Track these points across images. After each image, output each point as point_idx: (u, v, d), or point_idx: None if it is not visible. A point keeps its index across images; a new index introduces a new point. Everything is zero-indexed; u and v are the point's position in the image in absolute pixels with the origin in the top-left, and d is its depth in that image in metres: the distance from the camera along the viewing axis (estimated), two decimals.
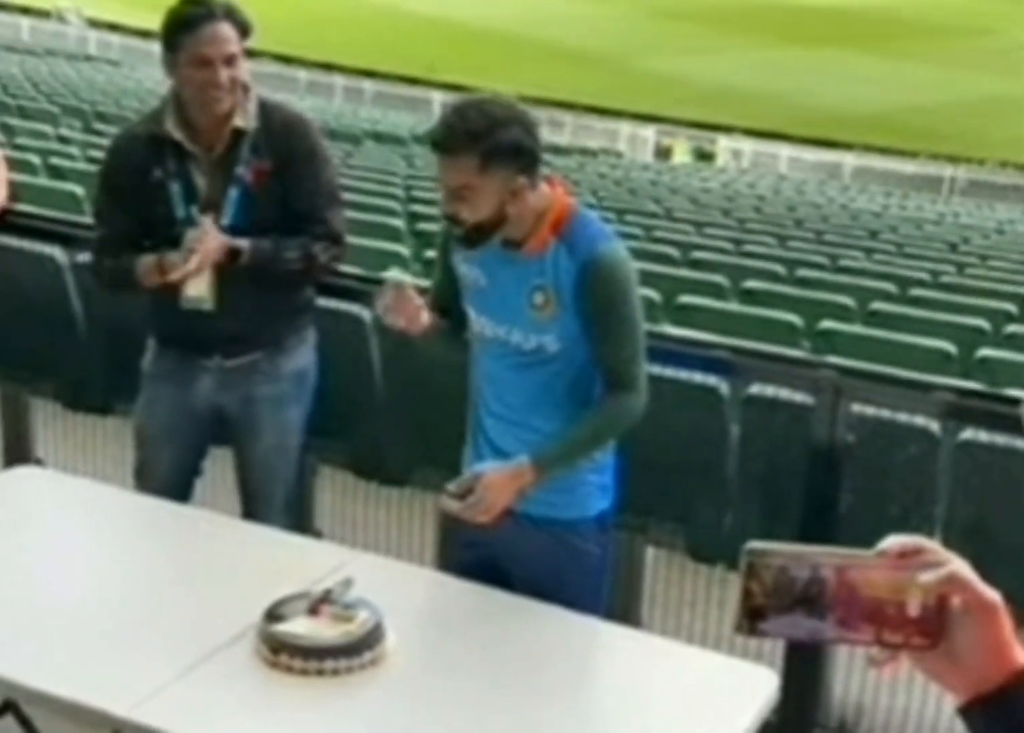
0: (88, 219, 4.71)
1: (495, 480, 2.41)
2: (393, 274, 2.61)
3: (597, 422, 2.52)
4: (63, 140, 9.33)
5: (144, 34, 30.07)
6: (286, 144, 3.05)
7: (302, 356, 3.21)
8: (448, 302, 2.63)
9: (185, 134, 3.02)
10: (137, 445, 3.30)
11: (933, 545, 1.03)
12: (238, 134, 3.03)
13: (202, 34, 2.91)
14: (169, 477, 3.19)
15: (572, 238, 2.44)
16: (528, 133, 2.39)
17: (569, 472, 2.53)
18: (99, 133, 9.89)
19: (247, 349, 3.12)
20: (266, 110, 3.08)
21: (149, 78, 18.56)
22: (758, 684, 2.28)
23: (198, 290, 3.00)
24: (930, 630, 1.01)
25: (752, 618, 1.02)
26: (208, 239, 2.95)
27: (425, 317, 2.53)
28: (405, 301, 2.51)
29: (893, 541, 1.03)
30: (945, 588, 1.01)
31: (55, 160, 7.77)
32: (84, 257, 3.80)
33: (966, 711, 1.01)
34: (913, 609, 1.01)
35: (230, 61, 2.95)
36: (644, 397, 2.51)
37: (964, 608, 1.01)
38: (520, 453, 2.46)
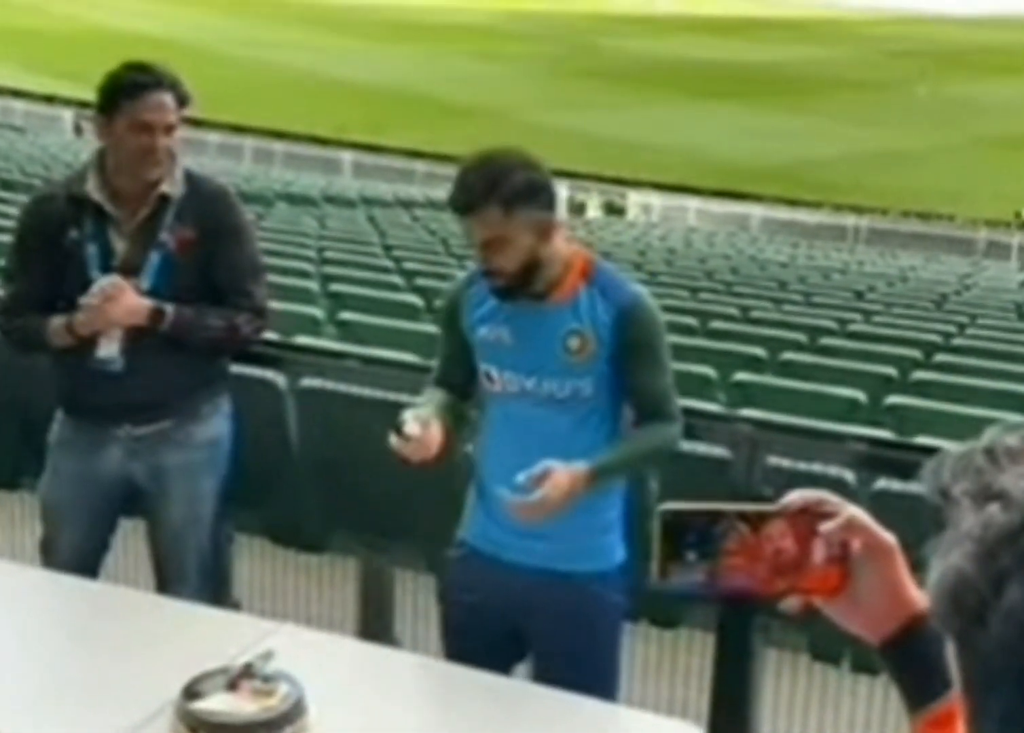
0: None
1: (562, 478, 2.38)
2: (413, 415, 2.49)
3: (648, 443, 2.60)
4: None
5: (48, 99, 29.84)
6: (212, 216, 3.05)
7: (215, 424, 3.17)
8: (457, 375, 2.67)
9: (106, 196, 3.01)
10: (42, 519, 3.23)
11: (833, 497, 1.09)
12: (163, 200, 3.02)
13: (146, 101, 2.93)
14: (75, 552, 3.12)
15: (602, 282, 2.54)
16: (539, 172, 2.49)
17: (596, 517, 2.56)
18: (3, 201, 9.75)
19: (157, 416, 3.07)
20: (192, 180, 3.08)
21: (54, 143, 18.39)
22: None
23: (108, 351, 2.98)
24: (835, 577, 1.08)
25: (663, 574, 1.07)
26: (124, 297, 2.92)
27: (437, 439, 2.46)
28: (430, 436, 2.44)
29: (795, 495, 1.09)
30: (845, 534, 1.07)
31: None
32: None
33: (881, 652, 1.08)
34: (819, 557, 1.07)
35: (168, 130, 2.97)
36: (681, 427, 2.62)
37: (864, 552, 1.07)
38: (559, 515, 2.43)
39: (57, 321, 2.99)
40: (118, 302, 2.92)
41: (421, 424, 2.43)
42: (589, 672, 2.58)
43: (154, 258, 3.00)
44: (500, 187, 2.40)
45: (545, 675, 2.62)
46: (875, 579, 1.07)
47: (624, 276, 2.64)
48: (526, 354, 2.54)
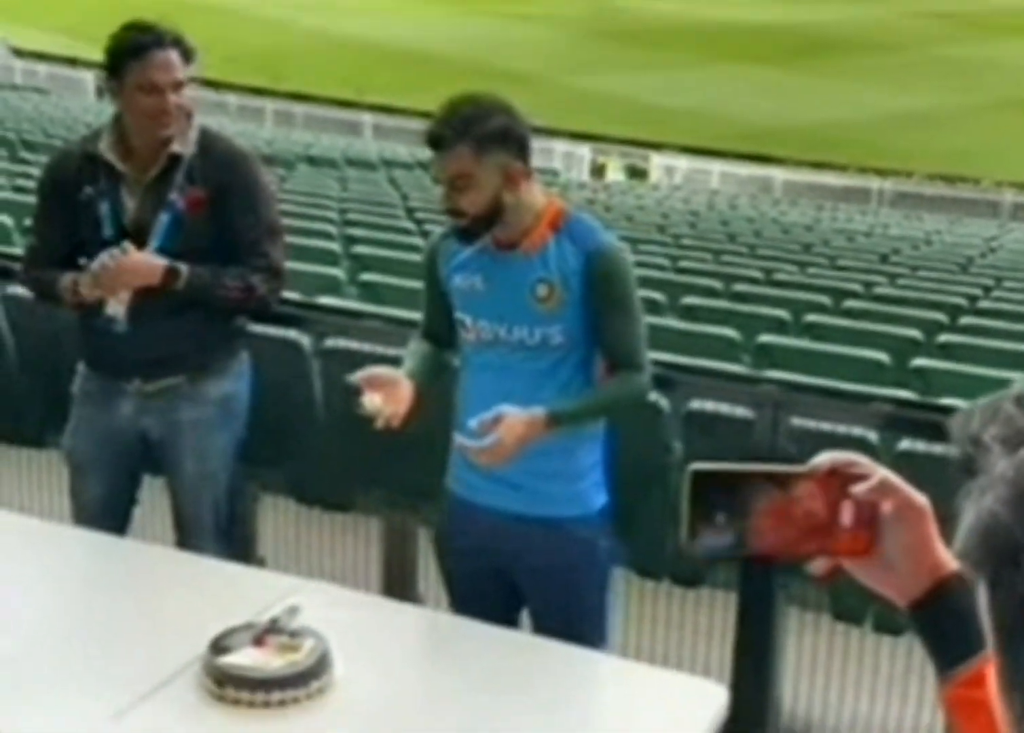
0: (17, 250, 4.65)
1: (515, 423, 2.43)
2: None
3: (611, 392, 2.63)
4: None
5: (70, 61, 29.81)
6: (224, 176, 3.05)
7: (229, 382, 3.18)
8: (441, 326, 2.73)
9: (118, 155, 3.03)
10: (69, 471, 3.28)
11: (862, 458, 1.09)
12: (173, 159, 3.02)
13: (151, 61, 2.93)
14: (100, 503, 3.16)
15: (571, 231, 2.58)
16: (517, 120, 2.53)
17: (569, 464, 2.62)
18: (26, 162, 9.77)
19: (166, 373, 3.09)
20: (207, 139, 3.08)
21: (76, 105, 18.39)
22: (706, 699, 2.28)
23: (115, 309, 3.01)
24: (864, 538, 1.07)
25: (693, 535, 1.06)
26: (133, 260, 2.93)
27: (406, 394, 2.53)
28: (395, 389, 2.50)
29: (825, 457, 1.08)
30: (877, 496, 1.06)
31: None
32: (14, 289, 3.75)
33: (910, 614, 1.07)
34: (847, 519, 1.06)
35: (177, 87, 2.97)
36: (650, 378, 2.65)
37: (895, 513, 1.07)
38: (516, 459, 2.50)
39: (66, 280, 3.02)
40: (125, 269, 2.93)
41: (383, 386, 2.47)
42: (576, 612, 2.65)
43: (163, 217, 3.01)
44: (476, 127, 2.47)
45: (536, 619, 2.72)
46: (905, 540, 1.07)
47: (597, 225, 2.68)
48: (497, 302, 2.60)
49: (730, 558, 0.99)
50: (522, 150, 2.53)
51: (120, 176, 3.03)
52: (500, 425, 2.42)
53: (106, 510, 3.14)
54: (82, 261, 3.05)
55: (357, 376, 2.50)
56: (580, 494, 2.65)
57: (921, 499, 1.07)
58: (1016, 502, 0.67)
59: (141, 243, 2.99)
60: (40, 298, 3.24)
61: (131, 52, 2.95)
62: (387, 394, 2.49)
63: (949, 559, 1.05)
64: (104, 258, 2.94)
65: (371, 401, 2.47)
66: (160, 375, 3.09)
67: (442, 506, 2.80)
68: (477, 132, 2.46)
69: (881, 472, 1.07)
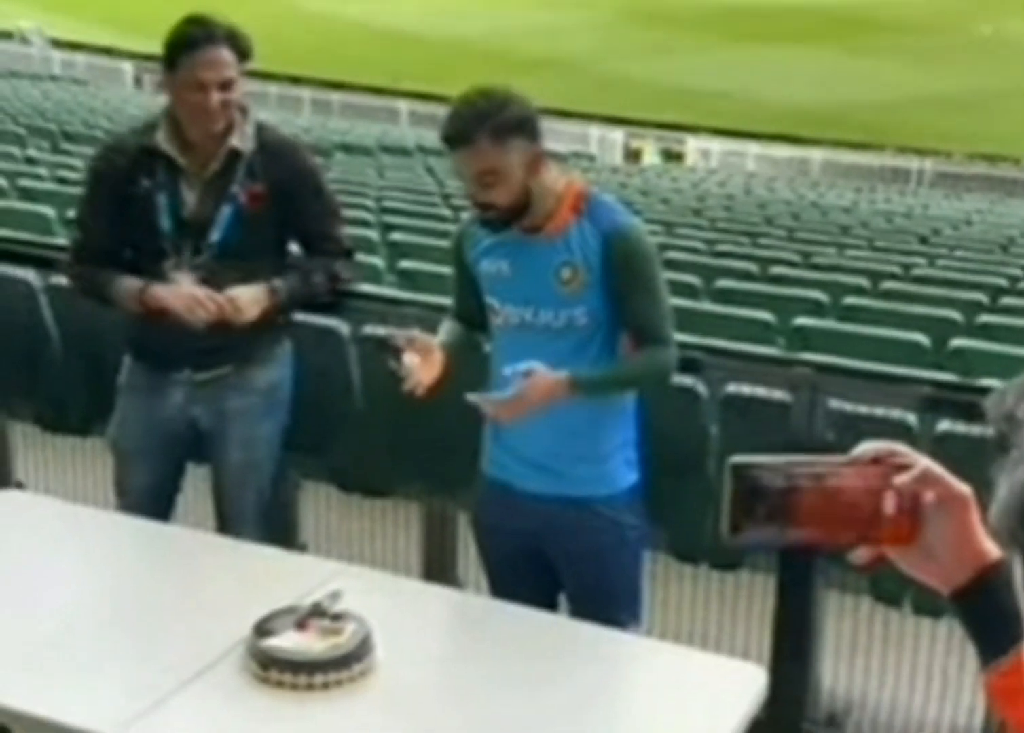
0: (61, 240, 4.71)
1: (540, 380, 2.50)
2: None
3: (637, 365, 2.67)
4: (31, 161, 9.29)
5: (108, 52, 29.99)
6: (282, 168, 3.08)
7: (274, 370, 3.21)
8: (471, 309, 2.77)
9: (177, 149, 3.03)
10: (114, 461, 3.31)
11: (904, 448, 1.10)
12: (234, 155, 3.04)
13: (200, 57, 2.93)
14: (146, 492, 3.19)
15: (592, 213, 2.61)
16: (526, 106, 2.57)
17: (596, 445, 2.66)
18: (67, 153, 9.86)
19: (217, 362, 3.11)
20: (264, 134, 3.10)
21: (116, 96, 18.51)
22: (746, 681, 2.29)
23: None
24: (906, 528, 1.08)
25: (735, 529, 1.07)
26: (240, 295, 2.97)
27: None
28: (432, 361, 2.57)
29: (867, 446, 1.10)
30: (919, 486, 1.07)
31: (24, 182, 7.74)
32: (58, 279, 3.80)
33: (952, 602, 1.08)
34: (889, 508, 1.07)
35: (226, 86, 2.96)
36: (676, 353, 2.67)
37: (937, 503, 1.07)
38: (544, 435, 2.58)
39: (130, 285, 3.02)
40: (238, 308, 2.97)
41: (420, 351, 2.54)
42: (606, 591, 2.70)
43: (225, 211, 3.03)
44: (493, 119, 2.49)
45: (571, 599, 2.76)
46: (948, 530, 1.07)
47: (617, 206, 2.71)
48: (523, 286, 2.64)
49: (771, 548, 1.00)
50: (536, 134, 2.57)
51: (179, 169, 3.03)
52: (528, 382, 2.49)
53: (152, 499, 3.17)
54: (126, 254, 3.06)
55: (398, 335, 2.55)
56: (607, 474, 2.69)
57: (963, 488, 1.07)
58: None
59: (201, 237, 3.02)
60: (85, 294, 3.23)
61: (182, 46, 2.95)
62: (422, 360, 2.54)
63: (992, 548, 1.06)
64: (202, 290, 2.95)
65: (411, 361, 2.52)
66: (210, 365, 3.11)
67: (477, 489, 2.84)
68: (495, 124, 2.49)
69: (923, 462, 1.08)
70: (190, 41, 2.95)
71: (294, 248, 3.24)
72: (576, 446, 2.65)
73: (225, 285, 2.99)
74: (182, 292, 2.98)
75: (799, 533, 1.07)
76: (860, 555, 1.10)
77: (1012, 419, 0.73)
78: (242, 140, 3.05)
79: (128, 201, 3.04)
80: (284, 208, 3.07)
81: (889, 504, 1.07)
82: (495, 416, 2.58)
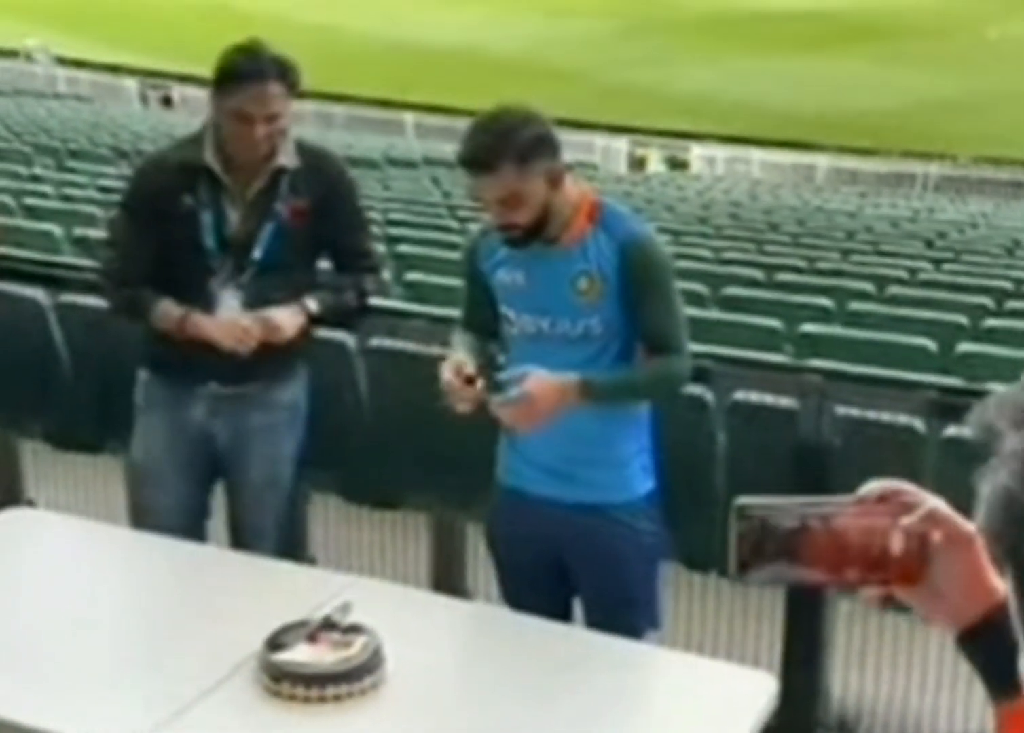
0: (68, 259, 4.73)
1: (543, 383, 2.50)
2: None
3: (650, 373, 2.67)
4: (36, 179, 9.33)
5: (112, 69, 30.08)
6: (324, 182, 3.10)
7: (296, 388, 3.21)
8: (483, 319, 2.78)
9: (223, 167, 3.03)
10: (139, 481, 3.26)
11: (910, 487, 1.09)
12: (278, 172, 3.04)
13: (248, 91, 2.91)
14: (176, 512, 3.13)
15: (607, 223, 2.62)
16: (543, 123, 2.57)
17: (612, 451, 2.66)
18: (72, 170, 9.90)
19: (244, 378, 3.09)
20: (302, 150, 3.10)
21: (120, 113, 18.58)
22: (757, 689, 2.30)
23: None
24: (913, 567, 1.08)
25: (742, 568, 1.08)
26: (279, 319, 2.98)
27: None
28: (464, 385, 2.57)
29: (873, 486, 1.10)
30: (926, 526, 1.07)
31: (29, 200, 7.77)
32: (67, 297, 3.82)
33: (960, 643, 1.08)
34: (896, 549, 1.07)
35: (271, 120, 2.95)
36: (690, 362, 2.68)
37: (944, 543, 1.07)
38: (560, 441, 2.58)
39: (170, 311, 3.00)
40: (274, 329, 2.98)
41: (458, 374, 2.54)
42: (624, 598, 2.69)
43: (268, 228, 3.03)
44: (512, 143, 2.48)
45: (587, 607, 2.76)
46: (955, 569, 1.07)
47: (631, 215, 2.74)
48: (539, 296, 2.64)
49: (780, 586, 1.00)
50: (557, 150, 2.57)
51: (222, 187, 3.03)
52: (528, 382, 2.48)
53: (179, 520, 3.09)
54: (164, 273, 3.03)
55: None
56: (623, 480, 2.69)
57: (969, 528, 1.06)
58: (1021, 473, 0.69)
59: (244, 254, 3.02)
60: (123, 316, 3.19)
61: (232, 77, 2.93)
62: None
63: (1000, 586, 1.06)
64: (246, 318, 2.97)
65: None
66: (237, 381, 3.08)
67: (493, 498, 2.83)
68: (517, 148, 2.48)
69: (930, 501, 1.07)
70: (240, 74, 2.92)
71: (323, 264, 3.26)
72: (592, 452, 2.66)
73: (265, 301, 3.00)
74: (224, 323, 2.97)
75: (807, 572, 1.07)
76: (869, 595, 1.10)
77: (992, 430, 0.75)
78: (287, 158, 3.04)
79: (170, 219, 3.01)
80: (324, 222, 3.09)
81: (896, 544, 1.07)
82: (512, 424, 2.58)
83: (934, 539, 1.07)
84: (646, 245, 2.63)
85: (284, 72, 2.95)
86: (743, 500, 1.08)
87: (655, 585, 2.74)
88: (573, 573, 2.75)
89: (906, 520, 1.06)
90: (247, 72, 2.92)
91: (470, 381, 2.53)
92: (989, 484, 0.72)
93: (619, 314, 2.61)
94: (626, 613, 2.65)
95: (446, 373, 2.55)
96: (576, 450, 2.64)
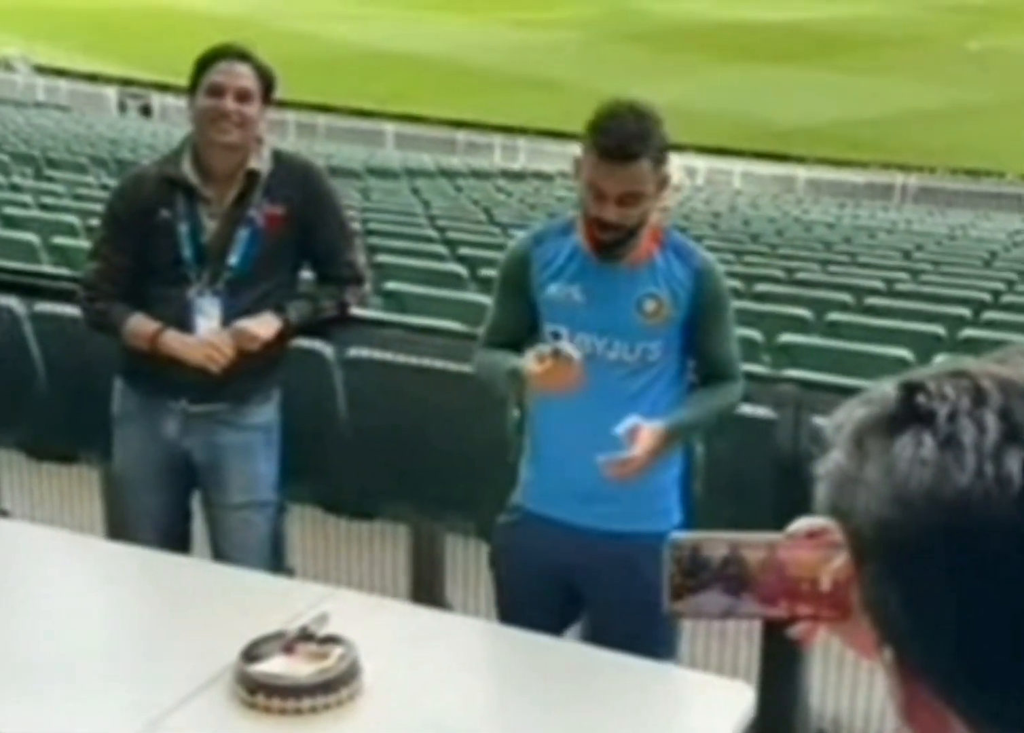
0: (45, 268, 4.71)
1: (647, 434, 2.39)
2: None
3: (715, 402, 2.62)
4: (15, 188, 9.30)
5: (91, 78, 30.03)
6: (300, 190, 3.11)
7: (269, 410, 3.20)
8: (513, 336, 2.62)
9: (200, 178, 3.05)
10: (123, 491, 3.27)
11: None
12: (252, 177, 3.06)
13: (216, 67, 3.01)
14: (158, 517, 3.16)
15: (678, 247, 2.56)
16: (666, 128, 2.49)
17: (650, 479, 2.51)
18: (51, 179, 9.87)
19: (212, 397, 3.08)
20: (280, 158, 3.13)
21: (99, 122, 18.53)
22: (734, 699, 2.29)
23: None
24: (841, 603, 1.08)
25: (677, 597, 1.10)
26: (249, 328, 3.01)
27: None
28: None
29: (801, 523, 1.10)
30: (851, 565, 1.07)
31: (8, 209, 7.74)
32: (43, 307, 3.80)
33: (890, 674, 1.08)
34: (825, 584, 1.08)
35: (242, 96, 3.00)
36: (744, 388, 2.66)
37: None
38: (593, 467, 2.41)
39: (143, 328, 3.02)
40: (248, 338, 3.01)
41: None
42: (648, 624, 2.56)
43: (242, 234, 3.05)
44: (653, 140, 2.42)
45: (603, 631, 2.65)
46: None
47: (693, 241, 2.69)
48: (599, 314, 2.53)
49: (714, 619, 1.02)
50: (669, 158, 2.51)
51: (199, 198, 3.05)
52: (638, 437, 2.39)
53: (160, 530, 3.12)
54: (142, 286, 3.06)
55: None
56: (662, 510, 2.62)
57: None
58: (851, 448, 0.77)
59: (220, 261, 3.04)
60: (96, 329, 3.19)
61: (201, 63, 3.04)
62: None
63: None
64: (217, 335, 2.99)
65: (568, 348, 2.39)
66: (205, 399, 3.08)
67: (507, 523, 2.73)
68: (657, 145, 2.43)
69: None
70: (213, 53, 3.05)
71: (305, 274, 3.27)
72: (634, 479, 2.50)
73: (244, 310, 3.02)
74: (193, 343, 2.99)
75: (739, 604, 1.08)
76: (801, 629, 1.11)
77: (842, 429, 0.80)
78: (259, 162, 3.07)
79: (148, 234, 3.05)
80: (302, 230, 3.10)
81: (826, 580, 1.07)
82: (616, 476, 2.43)
83: None
84: (718, 273, 2.61)
85: (253, 59, 3.05)
86: (677, 535, 1.10)
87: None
88: (589, 595, 2.66)
89: (833, 565, 1.07)
90: (219, 51, 3.04)
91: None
92: (822, 465, 0.79)
93: (678, 340, 2.55)
94: (646, 642, 2.51)
95: (531, 362, 2.37)
96: (644, 472, 2.47)
